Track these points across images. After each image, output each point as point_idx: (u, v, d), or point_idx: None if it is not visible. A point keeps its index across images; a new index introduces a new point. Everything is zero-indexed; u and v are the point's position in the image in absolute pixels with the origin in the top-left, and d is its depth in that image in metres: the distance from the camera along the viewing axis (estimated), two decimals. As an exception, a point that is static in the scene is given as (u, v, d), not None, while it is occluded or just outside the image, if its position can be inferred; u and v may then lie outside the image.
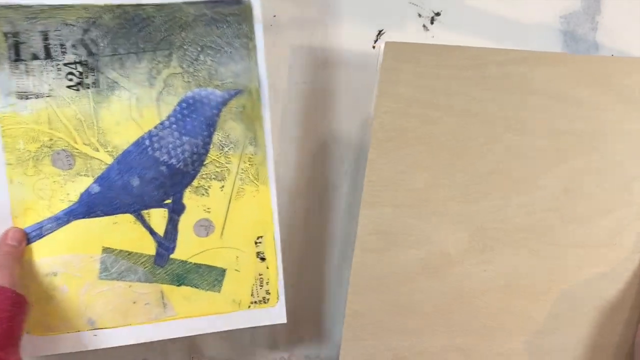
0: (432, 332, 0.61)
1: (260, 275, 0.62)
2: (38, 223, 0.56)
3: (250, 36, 0.59)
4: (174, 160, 0.58)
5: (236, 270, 0.61)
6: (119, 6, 0.56)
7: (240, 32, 0.59)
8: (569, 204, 0.60)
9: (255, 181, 0.61)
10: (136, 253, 0.58)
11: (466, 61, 0.57)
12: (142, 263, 0.58)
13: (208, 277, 0.60)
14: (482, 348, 0.62)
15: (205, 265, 0.60)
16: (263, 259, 0.62)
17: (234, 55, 0.59)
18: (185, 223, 0.59)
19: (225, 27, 0.59)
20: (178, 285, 0.60)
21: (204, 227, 0.60)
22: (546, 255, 0.61)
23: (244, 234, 0.61)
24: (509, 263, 0.60)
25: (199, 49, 0.58)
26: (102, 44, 0.56)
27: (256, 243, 0.61)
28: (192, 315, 0.60)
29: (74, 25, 0.55)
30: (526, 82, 0.58)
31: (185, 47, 0.58)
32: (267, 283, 0.62)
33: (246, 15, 0.59)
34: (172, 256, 0.59)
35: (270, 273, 0.62)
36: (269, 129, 0.61)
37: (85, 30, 0.56)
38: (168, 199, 0.59)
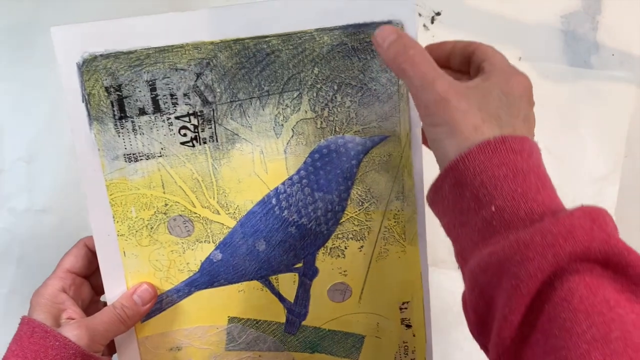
0: None
1: (404, 342, 0.54)
2: (157, 296, 0.50)
3: None
4: (304, 220, 0.49)
5: (377, 337, 0.54)
6: (236, 41, 0.45)
7: None
8: None
9: (401, 241, 0.51)
10: (265, 321, 0.52)
11: None
12: (271, 332, 0.52)
13: (344, 343, 0.53)
14: None
15: (341, 332, 0.53)
16: (409, 326, 0.54)
17: (379, 93, 0.47)
18: (318, 287, 0.51)
19: (369, 58, 0.46)
20: (311, 353, 0.53)
21: (340, 292, 0.52)
22: None
23: (386, 299, 0.52)
24: None
25: (336, 87, 0.46)
26: (218, 90, 0.45)
27: (401, 309, 0.53)
28: None
29: (184, 70, 0.45)
30: None
31: (318, 86, 0.46)
32: (412, 352, 0.54)
33: None
34: (304, 323, 0.52)
35: (417, 342, 0.54)
36: (421, 180, 0.50)
37: (199, 75, 0.45)
38: (299, 262, 0.51)
